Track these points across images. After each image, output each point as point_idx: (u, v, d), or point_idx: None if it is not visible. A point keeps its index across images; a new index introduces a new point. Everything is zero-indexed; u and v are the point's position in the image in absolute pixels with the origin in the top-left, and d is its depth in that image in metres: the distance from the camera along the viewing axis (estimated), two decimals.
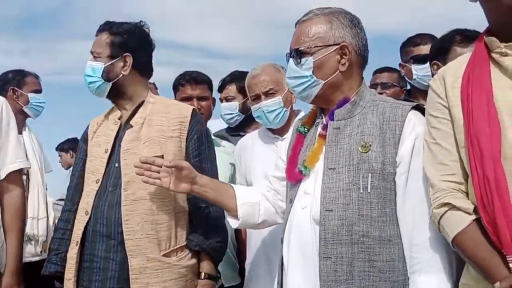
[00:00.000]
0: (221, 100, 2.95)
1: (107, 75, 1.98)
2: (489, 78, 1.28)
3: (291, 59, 1.61)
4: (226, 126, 3.01)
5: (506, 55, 1.28)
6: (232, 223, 1.80)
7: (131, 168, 1.86)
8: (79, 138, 2.20)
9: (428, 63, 2.33)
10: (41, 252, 2.99)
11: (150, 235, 1.83)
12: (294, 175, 1.62)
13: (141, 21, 2.06)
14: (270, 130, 2.40)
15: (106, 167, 1.94)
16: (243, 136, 2.66)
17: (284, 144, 1.83)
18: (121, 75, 1.98)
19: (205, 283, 1.91)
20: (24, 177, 2.58)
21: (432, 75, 2.30)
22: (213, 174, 1.95)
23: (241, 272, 2.49)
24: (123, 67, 1.98)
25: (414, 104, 1.55)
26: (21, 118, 3.00)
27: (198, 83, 2.73)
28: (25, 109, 3.08)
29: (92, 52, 2.02)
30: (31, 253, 2.95)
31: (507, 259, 1.18)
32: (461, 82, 1.33)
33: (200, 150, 1.94)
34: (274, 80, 2.32)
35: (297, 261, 1.54)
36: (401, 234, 1.46)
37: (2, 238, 2.00)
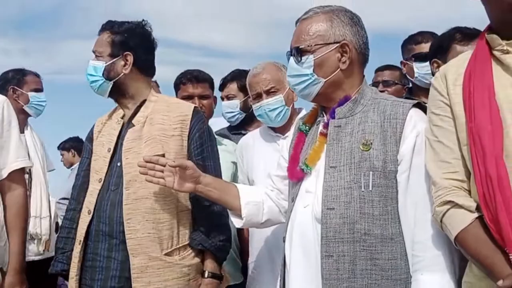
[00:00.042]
0: (222, 99, 2.95)
1: (108, 74, 1.98)
2: (491, 75, 1.28)
3: (291, 58, 1.61)
4: (227, 124, 3.01)
5: (507, 52, 1.28)
6: (236, 222, 1.80)
7: (132, 167, 1.86)
8: (80, 137, 2.21)
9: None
10: (44, 251, 3.00)
11: (151, 234, 1.83)
12: (296, 173, 1.62)
13: (143, 20, 2.06)
14: (272, 128, 2.40)
15: (109, 166, 1.95)
16: (244, 134, 2.66)
17: (286, 142, 1.82)
18: (122, 73, 1.98)
19: (209, 282, 1.90)
20: (27, 176, 2.58)
21: (432, 74, 2.30)
22: (216, 172, 1.95)
23: (244, 270, 2.50)
24: (124, 65, 1.98)
25: (415, 101, 1.54)
26: (23, 117, 3.00)
27: (199, 81, 2.73)
28: (26, 108, 3.08)
29: (94, 51, 2.02)
30: (34, 252, 2.96)
31: (510, 257, 1.18)
32: (462, 80, 1.32)
33: (202, 148, 1.94)
34: (276, 78, 2.32)
35: (299, 259, 1.54)
36: (403, 232, 1.46)
37: (5, 237, 2.01)
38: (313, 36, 1.57)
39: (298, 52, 1.58)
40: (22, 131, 2.87)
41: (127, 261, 1.83)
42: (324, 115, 1.63)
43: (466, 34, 2.11)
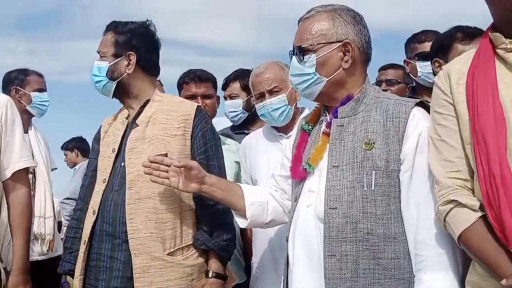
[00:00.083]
0: (225, 98, 2.95)
1: (111, 74, 1.98)
2: (494, 74, 1.28)
3: (294, 57, 1.61)
4: (230, 124, 3.02)
5: (511, 51, 1.27)
6: (241, 223, 1.80)
7: (135, 167, 1.87)
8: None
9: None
10: (47, 251, 3.01)
11: (153, 234, 1.83)
12: (299, 173, 1.62)
13: (147, 20, 2.07)
14: (275, 128, 2.40)
15: (113, 166, 1.95)
16: (247, 134, 2.66)
17: (289, 142, 1.82)
18: (125, 73, 1.98)
19: (213, 282, 1.89)
20: (31, 176, 2.59)
21: (433, 73, 2.29)
22: (221, 171, 1.94)
23: (247, 269, 2.50)
24: (127, 65, 1.98)
25: (417, 100, 1.54)
26: (26, 117, 3.00)
27: (202, 81, 2.73)
28: (28, 108, 3.08)
29: (98, 52, 2.03)
30: (38, 252, 2.96)
31: None
32: (466, 79, 1.32)
33: (206, 147, 1.93)
34: (278, 78, 2.31)
35: (302, 259, 1.54)
36: (405, 231, 1.45)
37: (9, 237, 2.01)
38: (315, 35, 1.57)
39: (300, 51, 1.58)
40: (26, 131, 2.88)
41: (130, 261, 1.83)
42: (327, 114, 1.63)
43: (467, 33, 2.10)
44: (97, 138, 2.11)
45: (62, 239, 3.11)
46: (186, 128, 1.92)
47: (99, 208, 1.92)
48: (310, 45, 1.56)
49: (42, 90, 3.16)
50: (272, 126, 2.40)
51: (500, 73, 1.27)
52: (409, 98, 1.60)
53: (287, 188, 1.76)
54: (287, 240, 1.62)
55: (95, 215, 1.92)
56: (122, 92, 2.02)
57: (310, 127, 1.68)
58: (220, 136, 2.43)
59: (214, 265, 1.91)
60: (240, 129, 2.89)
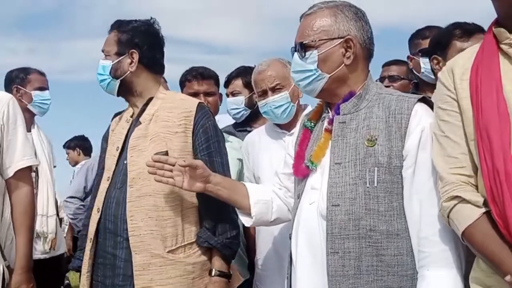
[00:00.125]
0: (227, 95, 2.95)
1: (115, 73, 1.98)
2: (498, 69, 1.27)
3: (295, 53, 1.60)
4: (233, 121, 3.01)
5: None
6: (245, 221, 1.80)
7: (136, 164, 1.87)
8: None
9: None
10: (50, 249, 3.02)
11: (154, 231, 1.83)
12: (301, 170, 1.61)
13: (151, 18, 2.07)
14: (277, 125, 2.39)
15: (117, 164, 1.96)
16: (249, 131, 2.66)
17: (292, 139, 1.82)
18: (128, 72, 1.98)
19: (216, 280, 1.88)
20: (33, 174, 2.59)
21: (432, 70, 2.28)
22: (224, 168, 1.93)
23: (250, 267, 2.50)
24: (130, 63, 1.98)
25: (420, 96, 1.53)
26: (29, 116, 3.01)
27: (204, 78, 2.72)
28: (30, 107, 3.08)
29: (103, 51, 2.04)
30: (41, 250, 2.97)
31: None
32: (470, 74, 1.31)
33: (208, 144, 1.92)
34: (281, 75, 2.31)
35: (305, 256, 1.54)
36: (408, 227, 1.45)
37: (12, 236, 2.01)
38: (317, 31, 1.56)
39: (302, 48, 1.57)
40: (28, 129, 2.88)
41: (131, 259, 1.83)
42: (329, 111, 1.62)
43: (465, 30, 2.08)
44: (105, 137, 2.12)
45: (64, 237, 3.11)
46: (187, 125, 1.91)
47: (103, 206, 1.93)
48: (312, 41, 1.56)
49: (43, 88, 3.16)
50: (274, 123, 2.39)
51: (504, 68, 1.27)
52: (411, 94, 1.60)
53: (291, 186, 1.75)
54: (290, 238, 1.62)
55: (99, 213, 1.93)
56: (126, 90, 2.02)
57: (312, 124, 1.67)
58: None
59: (217, 263, 1.89)
60: (243, 126, 2.89)
